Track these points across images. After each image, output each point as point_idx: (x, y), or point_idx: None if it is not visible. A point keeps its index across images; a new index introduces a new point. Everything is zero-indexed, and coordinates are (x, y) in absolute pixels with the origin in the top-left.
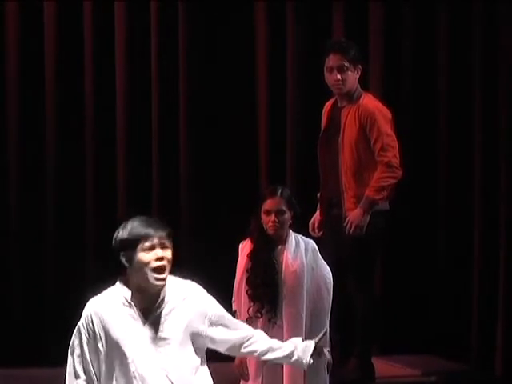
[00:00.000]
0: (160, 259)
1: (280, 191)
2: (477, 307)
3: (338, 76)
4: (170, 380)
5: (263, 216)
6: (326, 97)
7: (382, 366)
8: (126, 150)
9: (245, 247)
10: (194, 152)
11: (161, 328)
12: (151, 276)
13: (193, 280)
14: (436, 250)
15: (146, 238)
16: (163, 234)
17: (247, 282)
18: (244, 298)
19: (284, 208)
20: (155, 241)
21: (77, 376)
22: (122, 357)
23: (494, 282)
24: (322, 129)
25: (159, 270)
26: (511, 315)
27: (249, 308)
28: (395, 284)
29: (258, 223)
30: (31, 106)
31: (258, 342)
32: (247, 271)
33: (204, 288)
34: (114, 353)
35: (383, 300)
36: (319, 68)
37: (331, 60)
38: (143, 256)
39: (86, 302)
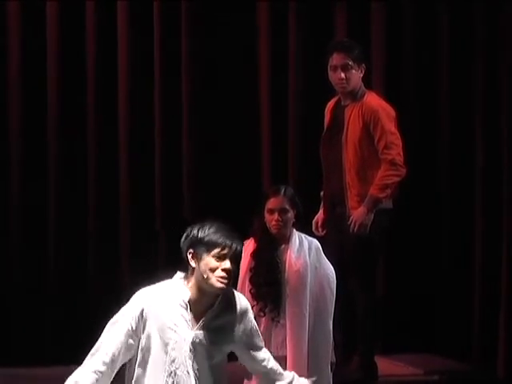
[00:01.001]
0: (227, 271)
1: (283, 190)
2: (479, 307)
3: (342, 75)
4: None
5: (266, 215)
6: (328, 95)
7: (384, 365)
8: (129, 149)
9: (248, 246)
10: (197, 151)
11: (208, 335)
12: (213, 278)
13: None
14: (438, 249)
15: (223, 246)
16: (240, 249)
17: (250, 281)
18: (247, 297)
19: (287, 207)
20: (230, 253)
21: (98, 354)
22: (164, 355)
23: (496, 281)
24: (325, 127)
25: (223, 279)
26: None
27: (252, 307)
28: (398, 283)
29: (262, 222)
30: (33, 106)
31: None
32: (250, 270)
33: None
34: (155, 348)
35: (386, 299)
36: (322, 67)
37: (335, 59)
38: (212, 262)
39: (87, 300)
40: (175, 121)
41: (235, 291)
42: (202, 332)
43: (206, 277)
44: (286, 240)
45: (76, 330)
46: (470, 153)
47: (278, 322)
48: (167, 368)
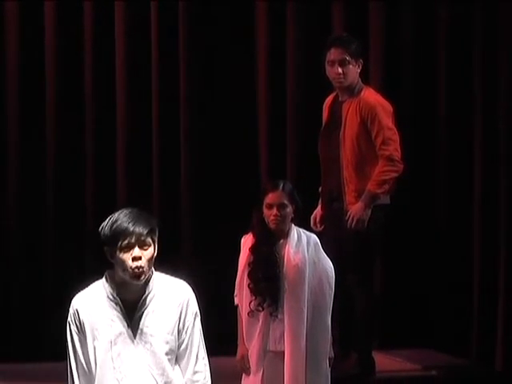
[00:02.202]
0: (137, 259)
1: (282, 185)
2: (477, 301)
3: (340, 70)
4: (153, 376)
5: (265, 210)
6: (326, 91)
7: (382, 361)
8: (127, 147)
9: (247, 241)
10: (195, 147)
11: (145, 324)
12: (128, 274)
13: (193, 276)
14: (436, 245)
15: (124, 236)
16: (142, 231)
17: (249, 276)
18: (246, 291)
19: (286, 202)
20: (133, 239)
21: (74, 373)
22: (108, 352)
23: (495, 276)
24: (323, 123)
25: (135, 269)
26: (511, 310)
27: (250, 302)
28: (396, 278)
29: (260, 217)
30: (31, 106)
31: None
32: (249, 265)
33: (206, 282)
34: (101, 347)
35: (384, 294)
36: (319, 63)
37: (332, 54)
38: (121, 255)
39: None
40: (173, 118)
41: (169, 276)
42: (138, 322)
43: (123, 270)
44: (285, 235)
45: None
46: (468, 149)
47: (276, 316)
48: (114, 364)
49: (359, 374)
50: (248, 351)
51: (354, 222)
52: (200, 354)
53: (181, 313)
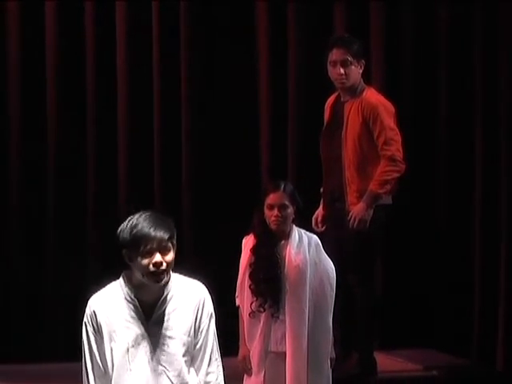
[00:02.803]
0: (158, 264)
1: (283, 186)
2: (478, 301)
3: (342, 70)
4: (168, 377)
5: (266, 211)
6: (328, 92)
7: (383, 361)
8: (128, 147)
9: (248, 242)
10: (196, 147)
11: (163, 325)
12: (148, 278)
13: (197, 277)
14: (437, 245)
15: (145, 241)
16: (164, 236)
17: (250, 277)
18: (247, 292)
19: (287, 203)
20: (155, 245)
21: (89, 374)
22: (125, 353)
23: (495, 276)
24: (325, 123)
25: (156, 274)
26: None
27: (252, 303)
28: (397, 278)
29: (261, 218)
30: (32, 105)
31: None
32: (250, 266)
33: (207, 283)
34: (118, 349)
35: (385, 294)
36: (321, 64)
37: (334, 54)
38: (142, 260)
39: (85, 299)
40: (174, 117)
41: (186, 277)
42: (156, 323)
43: (142, 275)
44: (286, 236)
45: (75, 327)
46: (469, 149)
47: (278, 317)
48: (130, 366)
49: (360, 374)
50: (249, 352)
51: (356, 223)
52: (213, 355)
53: (197, 314)
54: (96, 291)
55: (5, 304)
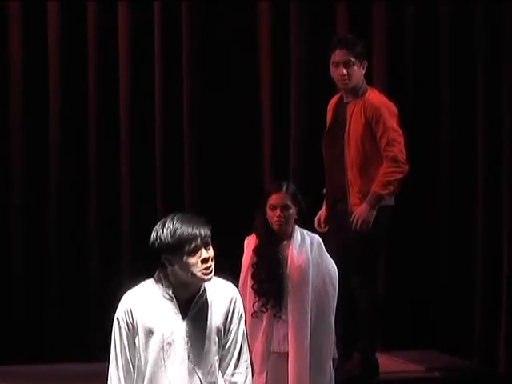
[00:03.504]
0: (206, 260)
1: (285, 186)
2: (480, 303)
3: (344, 71)
4: (198, 375)
5: (268, 211)
6: (330, 93)
7: (385, 362)
8: (130, 147)
9: (250, 242)
10: (198, 149)
11: (198, 324)
12: (198, 277)
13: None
14: (440, 246)
15: (190, 240)
16: (206, 232)
17: (252, 277)
18: (249, 292)
19: (289, 203)
20: (199, 242)
21: (119, 369)
22: (160, 350)
23: (498, 277)
24: (328, 124)
25: (206, 270)
26: None
27: (254, 303)
28: (399, 279)
29: (264, 218)
30: (35, 105)
31: None
32: (252, 266)
33: None
34: (152, 345)
35: (387, 295)
36: (323, 64)
37: (337, 55)
38: (189, 259)
39: (87, 298)
40: (176, 119)
41: (218, 278)
42: (191, 321)
43: (190, 274)
44: (288, 236)
45: (75, 327)
46: (471, 150)
47: (280, 317)
48: (165, 363)
49: (362, 374)
50: (252, 352)
51: (358, 224)
52: (242, 356)
53: (227, 314)
54: (96, 291)
55: (5, 304)
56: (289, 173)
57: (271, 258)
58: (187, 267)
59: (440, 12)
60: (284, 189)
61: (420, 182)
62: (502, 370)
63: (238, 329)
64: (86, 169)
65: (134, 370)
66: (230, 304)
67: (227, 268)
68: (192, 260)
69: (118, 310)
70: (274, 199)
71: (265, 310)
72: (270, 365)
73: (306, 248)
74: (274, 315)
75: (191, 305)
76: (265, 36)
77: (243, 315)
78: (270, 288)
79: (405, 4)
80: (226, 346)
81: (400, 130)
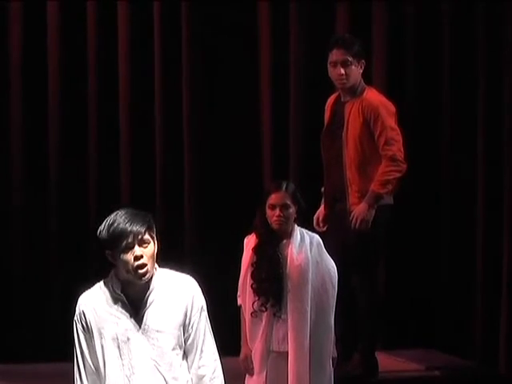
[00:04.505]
0: (138, 258)
1: (285, 186)
2: (480, 302)
3: (342, 70)
4: (159, 372)
5: (268, 210)
6: (329, 92)
7: (385, 361)
8: (130, 146)
9: (250, 242)
10: (198, 148)
11: (152, 320)
12: (133, 273)
13: (198, 276)
14: (440, 245)
15: (122, 237)
16: (140, 229)
17: (252, 277)
18: (249, 292)
19: (289, 202)
20: (131, 239)
21: (81, 371)
22: (115, 349)
23: (498, 276)
24: (326, 123)
25: (139, 267)
26: None
27: (254, 302)
28: (399, 278)
29: (263, 218)
30: (34, 107)
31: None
32: (252, 265)
33: (209, 282)
34: (108, 345)
35: (387, 294)
36: (322, 64)
37: (335, 55)
38: (123, 256)
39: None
40: (176, 118)
41: (173, 271)
42: (145, 318)
43: (126, 271)
44: (288, 235)
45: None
46: (471, 149)
47: (280, 317)
48: (122, 361)
49: (362, 374)
50: (251, 351)
51: (357, 223)
52: (206, 348)
53: (187, 307)
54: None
55: (5, 304)
56: (288, 172)
57: (271, 257)
58: (122, 264)
59: (440, 12)
60: (283, 188)
61: (420, 181)
62: (503, 370)
63: (199, 323)
64: (86, 169)
65: (97, 371)
66: (188, 298)
67: (227, 267)
68: (126, 257)
69: (75, 313)
70: (273, 198)
71: (264, 309)
72: (270, 364)
73: (305, 247)
74: (274, 314)
75: (142, 302)
76: (264, 36)
77: (204, 308)
78: (270, 287)
79: (405, 4)
80: (189, 340)
81: (398, 129)
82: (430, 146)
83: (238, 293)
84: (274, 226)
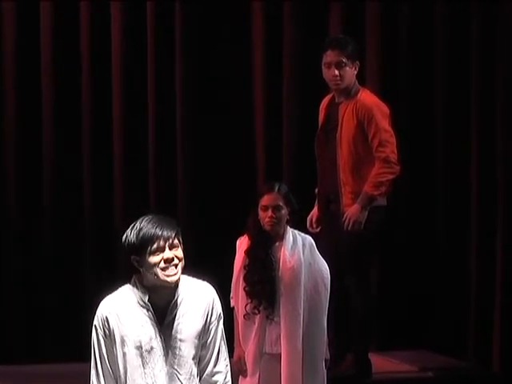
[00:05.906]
0: (169, 260)
1: (277, 187)
2: (474, 303)
3: (336, 72)
4: (180, 381)
5: (260, 212)
6: (322, 93)
7: (379, 362)
8: (123, 148)
9: (242, 243)
10: (191, 149)
11: (176, 329)
12: (161, 274)
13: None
14: (433, 247)
15: (152, 241)
16: (170, 234)
17: (244, 279)
18: (242, 294)
19: (281, 204)
20: (162, 243)
21: (99, 377)
22: (138, 357)
23: (492, 277)
24: (320, 125)
25: (170, 269)
26: (508, 311)
27: (246, 305)
28: (393, 280)
29: (256, 219)
30: (28, 107)
31: None
32: (245, 268)
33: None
34: (130, 353)
35: (380, 296)
36: (316, 65)
37: (329, 56)
38: (152, 259)
39: (83, 299)
40: (169, 118)
41: (194, 279)
42: (169, 326)
43: (155, 275)
44: (280, 237)
45: (75, 327)
46: (464, 150)
47: (273, 319)
48: (144, 370)
49: (355, 375)
50: (244, 353)
51: (350, 224)
52: (221, 355)
53: (206, 315)
54: (95, 293)
55: (4, 304)
56: (282, 173)
57: (263, 259)
58: (150, 267)
59: (435, 12)
60: (276, 189)
61: (414, 182)
62: (496, 370)
63: (217, 329)
64: (80, 169)
65: (115, 378)
66: (208, 305)
67: (219, 268)
68: (154, 259)
69: (95, 317)
70: (265, 200)
71: (257, 311)
72: (263, 366)
73: (298, 249)
74: (267, 317)
75: (167, 311)
76: (258, 36)
77: (221, 316)
78: (263, 290)
79: (399, 4)
80: (205, 346)
81: (392, 131)
82: (423, 147)
83: (231, 295)
84: (266, 227)
